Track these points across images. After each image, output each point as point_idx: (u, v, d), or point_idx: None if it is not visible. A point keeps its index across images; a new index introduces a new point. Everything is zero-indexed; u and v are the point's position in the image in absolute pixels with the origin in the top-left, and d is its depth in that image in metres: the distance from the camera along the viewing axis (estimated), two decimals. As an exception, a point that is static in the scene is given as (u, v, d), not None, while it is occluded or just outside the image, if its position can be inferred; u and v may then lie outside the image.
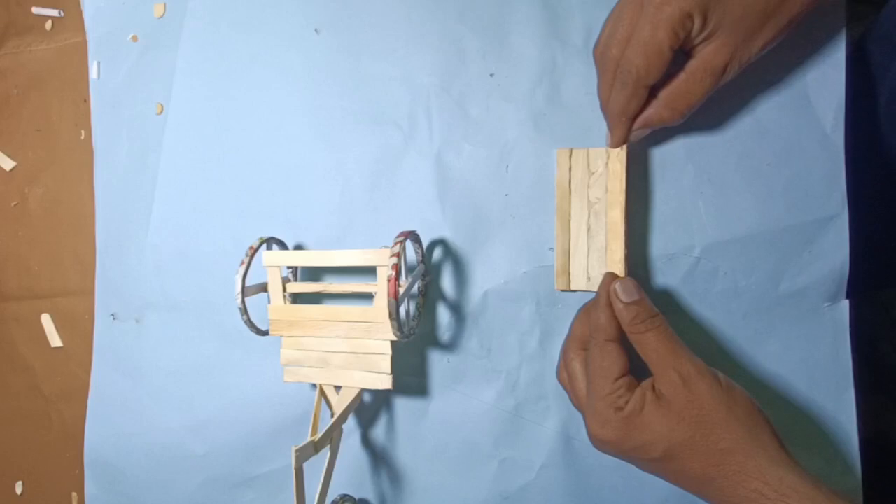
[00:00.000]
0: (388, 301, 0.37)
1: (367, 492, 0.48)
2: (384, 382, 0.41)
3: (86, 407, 0.52)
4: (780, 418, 0.43)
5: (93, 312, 0.52)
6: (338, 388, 0.43)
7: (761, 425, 0.34)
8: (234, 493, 0.49)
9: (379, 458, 0.47)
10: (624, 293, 0.36)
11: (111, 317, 0.52)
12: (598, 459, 0.44)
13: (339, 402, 0.42)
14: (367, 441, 0.48)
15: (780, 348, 0.43)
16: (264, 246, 0.44)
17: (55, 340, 0.53)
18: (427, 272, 0.45)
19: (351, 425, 0.47)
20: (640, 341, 0.35)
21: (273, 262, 0.44)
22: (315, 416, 0.42)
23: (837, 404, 0.42)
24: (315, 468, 0.41)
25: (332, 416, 0.41)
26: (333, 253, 0.42)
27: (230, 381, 0.49)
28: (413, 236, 0.42)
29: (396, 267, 0.37)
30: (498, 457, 0.45)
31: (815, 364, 0.42)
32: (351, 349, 0.42)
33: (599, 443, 0.36)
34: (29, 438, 0.54)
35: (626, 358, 0.36)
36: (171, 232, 0.50)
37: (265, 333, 0.44)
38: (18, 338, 0.54)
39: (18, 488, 0.54)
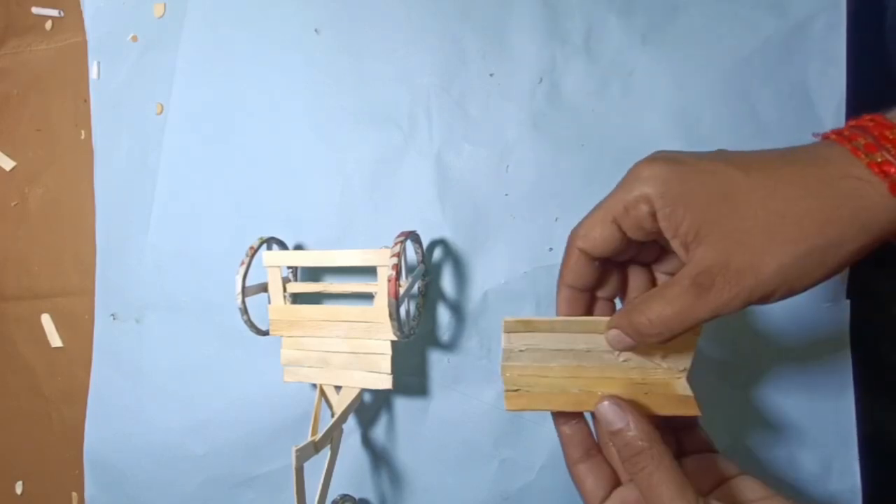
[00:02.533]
0: (389, 301, 0.37)
1: (368, 492, 0.48)
2: (384, 382, 0.41)
3: (86, 407, 0.52)
4: (781, 418, 0.43)
5: (93, 312, 0.52)
6: (338, 388, 0.43)
7: None
8: (234, 493, 0.49)
9: (379, 458, 0.47)
10: (604, 422, 0.29)
11: (111, 317, 0.52)
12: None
13: (340, 402, 0.42)
14: (367, 441, 0.47)
15: (780, 348, 0.43)
16: (264, 246, 0.44)
17: (55, 340, 0.53)
18: (427, 272, 0.45)
19: (351, 425, 0.47)
20: (637, 483, 0.28)
21: (273, 263, 0.43)
22: (315, 415, 0.42)
23: (837, 404, 0.42)
24: (315, 468, 0.41)
25: (333, 415, 0.41)
26: (334, 253, 0.42)
27: (230, 381, 0.49)
28: (413, 236, 0.42)
29: (397, 267, 0.37)
30: (498, 457, 0.45)
31: (815, 364, 0.42)
32: (351, 349, 0.42)
33: None
34: (29, 438, 0.54)
35: (607, 473, 0.30)
36: (171, 232, 0.50)
37: (265, 333, 0.44)
38: (18, 338, 0.54)
39: (18, 488, 0.54)
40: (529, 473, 0.45)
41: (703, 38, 0.43)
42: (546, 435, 0.44)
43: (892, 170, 0.23)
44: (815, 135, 0.26)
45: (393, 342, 0.41)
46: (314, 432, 0.41)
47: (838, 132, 0.25)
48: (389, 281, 0.37)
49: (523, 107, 0.45)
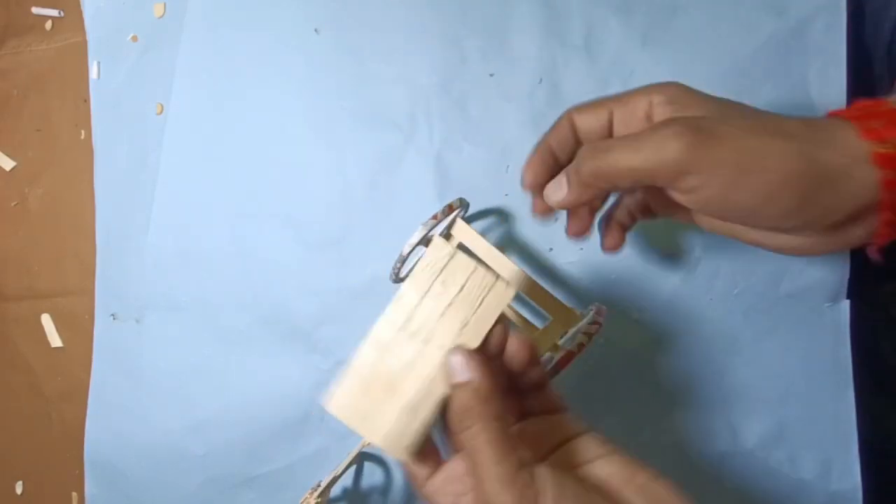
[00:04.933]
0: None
1: (368, 491, 0.48)
2: None
3: (86, 407, 0.52)
4: (781, 418, 0.43)
5: (93, 312, 0.52)
6: None
7: None
8: (234, 493, 0.49)
9: (376, 456, 0.47)
10: (450, 371, 0.27)
11: (111, 317, 0.52)
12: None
13: None
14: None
15: (780, 348, 0.43)
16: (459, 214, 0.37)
17: (55, 340, 0.53)
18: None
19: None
20: (462, 444, 0.26)
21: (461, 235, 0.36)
22: None
23: (837, 404, 0.42)
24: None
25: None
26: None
27: (230, 381, 0.49)
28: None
29: (582, 347, 0.34)
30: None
31: (815, 364, 0.42)
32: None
33: None
34: (29, 438, 0.54)
35: (433, 453, 0.29)
36: (171, 232, 0.50)
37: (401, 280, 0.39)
38: (18, 338, 0.54)
39: (18, 488, 0.54)
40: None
41: (703, 38, 0.43)
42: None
43: (880, 135, 0.25)
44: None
45: None
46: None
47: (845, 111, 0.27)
48: (560, 360, 0.34)
49: (523, 107, 0.45)
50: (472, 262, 0.28)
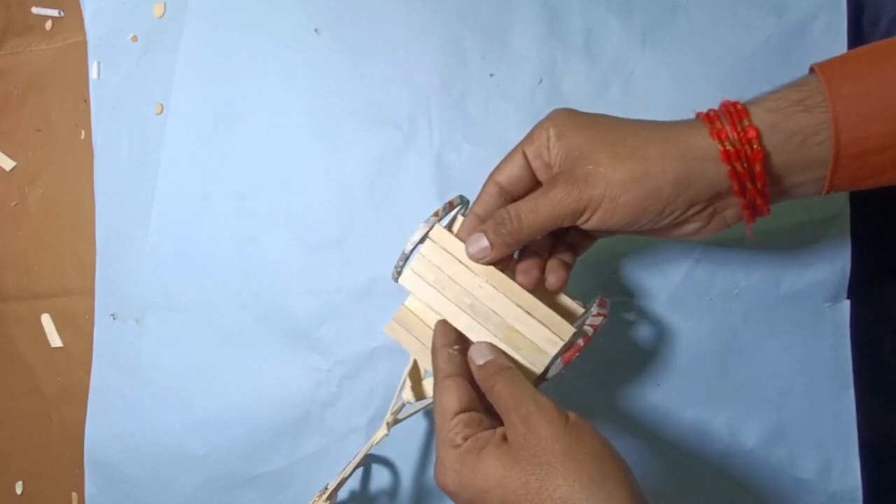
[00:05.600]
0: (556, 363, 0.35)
1: (375, 493, 0.48)
2: None
3: (86, 407, 0.52)
4: (781, 418, 0.43)
5: (93, 312, 0.52)
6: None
7: (611, 472, 0.28)
8: (234, 493, 0.49)
9: (380, 457, 0.47)
10: (478, 356, 0.34)
11: (111, 317, 0.52)
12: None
13: (426, 389, 0.39)
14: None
15: (780, 348, 0.43)
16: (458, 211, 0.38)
17: (55, 340, 0.53)
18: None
19: (354, 422, 0.47)
20: (491, 396, 0.32)
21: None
22: (402, 382, 0.39)
23: (837, 404, 0.42)
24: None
25: (397, 396, 0.39)
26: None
27: (230, 381, 0.49)
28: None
29: (588, 340, 0.34)
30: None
31: (815, 364, 0.42)
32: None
33: (441, 487, 0.32)
34: (29, 438, 0.54)
35: (467, 394, 0.33)
36: (171, 232, 0.50)
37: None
38: (18, 338, 0.54)
39: (18, 488, 0.54)
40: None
41: (703, 38, 0.43)
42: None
43: (724, 134, 0.30)
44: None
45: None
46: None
47: (707, 112, 0.32)
48: (566, 354, 0.34)
49: (523, 107, 0.45)
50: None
